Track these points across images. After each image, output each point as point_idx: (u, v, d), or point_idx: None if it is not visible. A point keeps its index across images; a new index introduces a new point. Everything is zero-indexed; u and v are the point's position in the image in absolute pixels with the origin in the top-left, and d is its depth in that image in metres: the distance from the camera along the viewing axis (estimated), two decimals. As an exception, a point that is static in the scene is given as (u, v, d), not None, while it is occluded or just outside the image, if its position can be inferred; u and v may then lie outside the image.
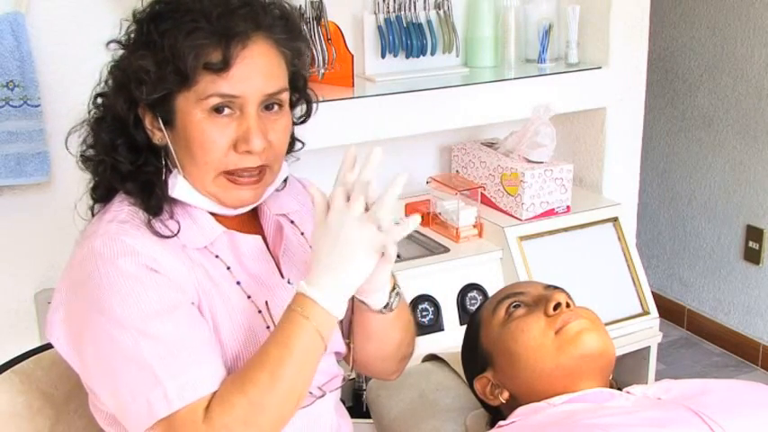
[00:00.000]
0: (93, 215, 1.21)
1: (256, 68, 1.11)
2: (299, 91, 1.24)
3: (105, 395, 1.12)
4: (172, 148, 1.15)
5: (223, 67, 1.08)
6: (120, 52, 1.16)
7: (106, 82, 1.18)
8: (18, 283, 2.02)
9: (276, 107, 1.15)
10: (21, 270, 2.01)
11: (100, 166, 1.18)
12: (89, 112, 1.19)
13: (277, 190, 1.27)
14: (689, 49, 3.23)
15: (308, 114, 1.28)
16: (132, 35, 1.14)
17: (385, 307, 1.22)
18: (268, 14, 1.14)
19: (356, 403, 2.19)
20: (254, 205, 1.23)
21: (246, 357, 1.15)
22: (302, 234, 1.31)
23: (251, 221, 1.27)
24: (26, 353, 1.38)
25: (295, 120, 1.25)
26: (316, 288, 1.09)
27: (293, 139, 1.29)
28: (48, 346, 1.39)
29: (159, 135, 1.15)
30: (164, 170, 1.17)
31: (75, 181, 1.23)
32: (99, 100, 1.18)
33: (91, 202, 1.22)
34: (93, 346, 1.09)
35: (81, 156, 1.20)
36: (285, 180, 1.30)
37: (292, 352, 1.08)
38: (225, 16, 1.09)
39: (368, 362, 1.33)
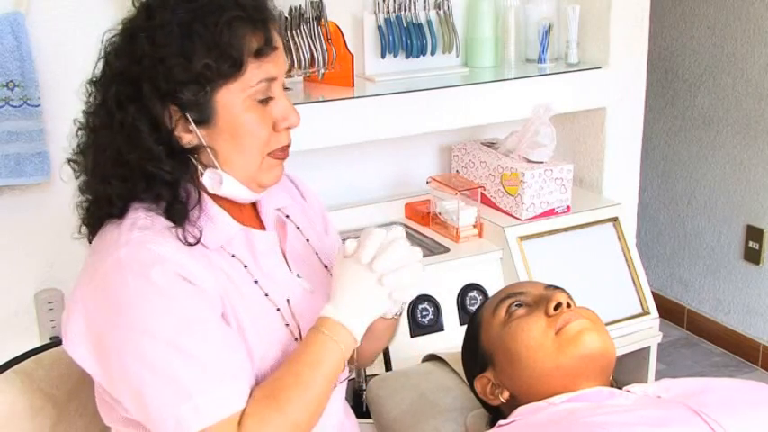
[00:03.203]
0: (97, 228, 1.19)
1: (281, 49, 1.17)
2: None
3: (132, 407, 1.11)
4: (207, 147, 1.14)
5: (269, 50, 1.13)
6: (118, 65, 1.13)
7: (124, 93, 1.12)
8: (18, 283, 2.02)
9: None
10: (21, 270, 2.01)
11: (131, 179, 1.13)
12: (84, 128, 1.17)
13: None
14: (689, 49, 3.23)
15: None
16: (142, 43, 1.10)
17: (396, 314, 1.30)
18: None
19: (356, 403, 2.19)
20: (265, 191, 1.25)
21: (271, 357, 1.16)
22: (298, 228, 1.33)
23: (255, 218, 1.28)
24: (27, 352, 1.38)
25: None
26: (344, 314, 1.15)
27: None
28: (48, 346, 1.39)
29: (188, 138, 1.14)
30: (197, 172, 1.16)
31: (74, 181, 1.22)
32: (125, 108, 1.12)
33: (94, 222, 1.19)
34: (121, 358, 1.08)
35: (91, 176, 1.17)
36: None
37: (323, 373, 1.13)
38: (255, 2, 1.14)
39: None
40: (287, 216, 1.33)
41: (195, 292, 1.10)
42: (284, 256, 1.27)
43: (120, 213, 1.15)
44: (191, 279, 1.10)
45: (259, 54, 1.12)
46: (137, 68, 1.11)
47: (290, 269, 1.26)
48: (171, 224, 1.13)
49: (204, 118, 1.13)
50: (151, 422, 1.09)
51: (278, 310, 1.20)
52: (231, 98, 1.12)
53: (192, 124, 1.13)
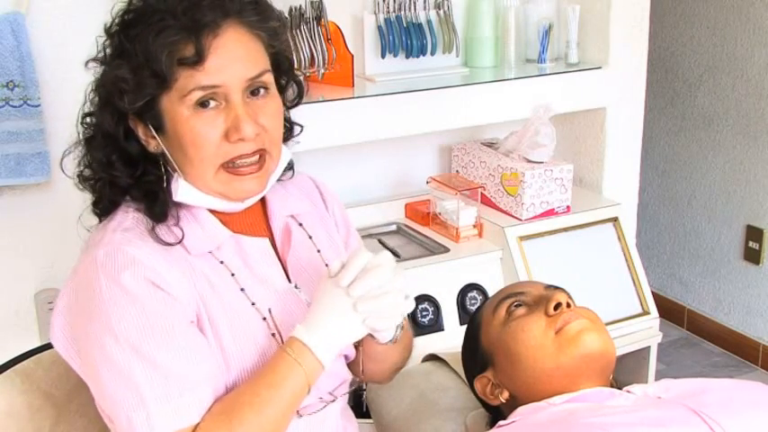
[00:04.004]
0: (100, 220, 1.21)
1: (232, 55, 1.10)
2: (286, 73, 1.23)
3: (98, 399, 1.14)
4: (168, 154, 1.14)
5: (198, 60, 1.07)
6: (101, 69, 1.15)
7: (91, 101, 1.17)
8: (18, 283, 2.02)
9: (262, 91, 1.14)
10: (21, 270, 2.01)
11: (98, 183, 1.18)
12: (78, 133, 1.19)
13: (280, 180, 1.26)
14: (689, 49, 3.23)
15: (299, 96, 1.27)
16: (108, 50, 1.14)
17: (390, 340, 1.24)
18: (235, 0, 1.12)
19: (356, 403, 2.19)
20: (261, 195, 1.22)
21: (252, 366, 1.15)
22: (310, 237, 1.30)
23: (260, 223, 1.26)
24: (27, 352, 1.38)
25: (288, 103, 1.24)
26: (314, 336, 1.11)
27: (291, 124, 1.28)
28: (48, 346, 1.39)
29: (154, 143, 1.14)
30: (164, 177, 1.16)
31: (74, 181, 1.23)
32: (87, 119, 1.18)
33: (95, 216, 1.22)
34: (89, 354, 1.10)
35: (79, 176, 1.20)
36: (292, 167, 1.29)
37: (282, 395, 1.10)
38: (191, 9, 1.08)
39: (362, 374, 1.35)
40: (300, 224, 1.29)
41: (164, 299, 1.09)
42: (284, 266, 1.24)
43: (109, 211, 1.18)
44: (162, 285, 1.10)
45: (186, 64, 1.07)
46: (96, 78, 1.15)
47: (288, 279, 1.23)
48: (154, 225, 1.14)
49: (158, 125, 1.12)
50: (113, 415, 1.10)
51: (264, 319, 1.18)
52: (172, 106, 1.10)
53: (153, 131, 1.13)
